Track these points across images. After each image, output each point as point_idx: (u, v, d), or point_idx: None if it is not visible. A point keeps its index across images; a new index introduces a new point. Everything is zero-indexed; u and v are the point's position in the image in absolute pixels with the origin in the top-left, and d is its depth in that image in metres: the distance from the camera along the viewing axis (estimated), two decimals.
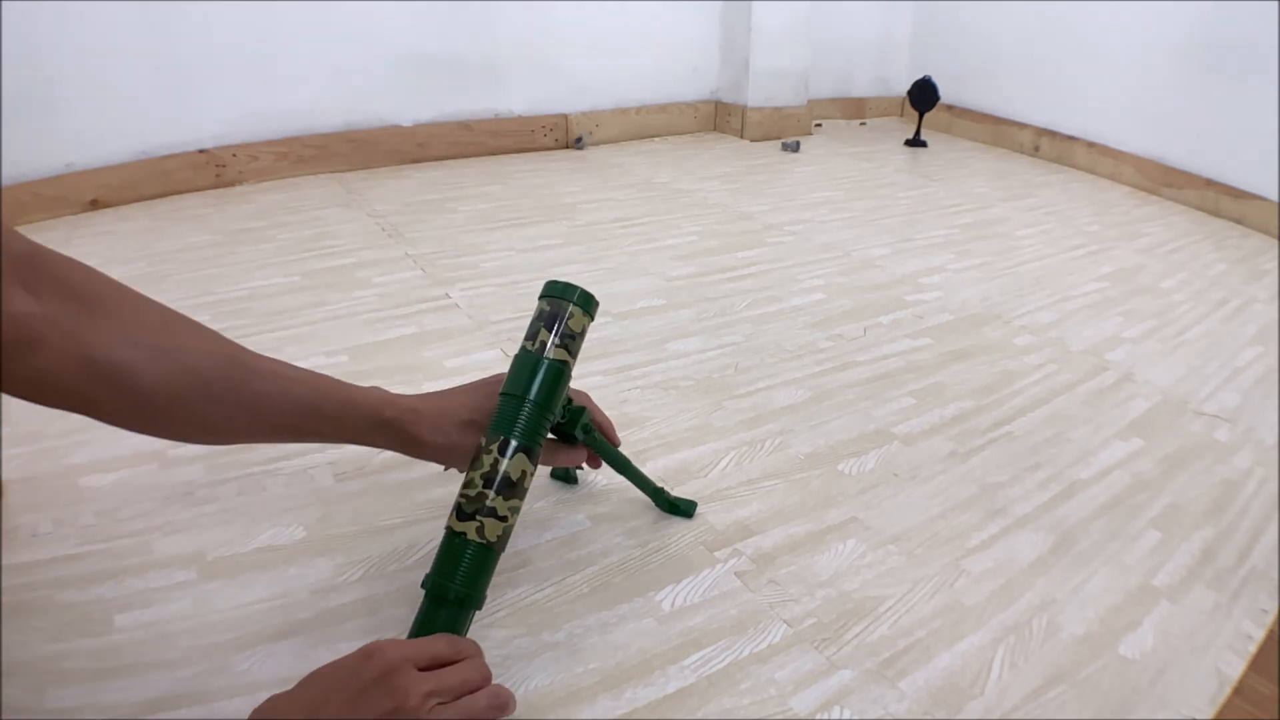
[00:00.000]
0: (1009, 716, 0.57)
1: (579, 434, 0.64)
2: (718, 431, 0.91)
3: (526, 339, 0.56)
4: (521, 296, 1.23)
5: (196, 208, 1.64)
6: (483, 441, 0.54)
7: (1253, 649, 0.64)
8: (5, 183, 1.47)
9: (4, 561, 0.66)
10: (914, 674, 0.60)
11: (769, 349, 1.11)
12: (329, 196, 1.73)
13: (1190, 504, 0.83)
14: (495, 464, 0.53)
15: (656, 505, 0.76)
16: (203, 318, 1.13)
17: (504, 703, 0.49)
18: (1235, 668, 0.62)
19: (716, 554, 0.71)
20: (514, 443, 0.53)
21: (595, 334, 1.13)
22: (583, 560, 0.70)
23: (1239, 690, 0.60)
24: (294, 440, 0.59)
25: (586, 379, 1.01)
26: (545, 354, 0.55)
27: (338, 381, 0.59)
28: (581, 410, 0.63)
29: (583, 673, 0.59)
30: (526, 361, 0.55)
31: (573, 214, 1.67)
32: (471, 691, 0.47)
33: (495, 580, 0.67)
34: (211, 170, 1.75)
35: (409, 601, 0.64)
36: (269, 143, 1.82)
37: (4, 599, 0.62)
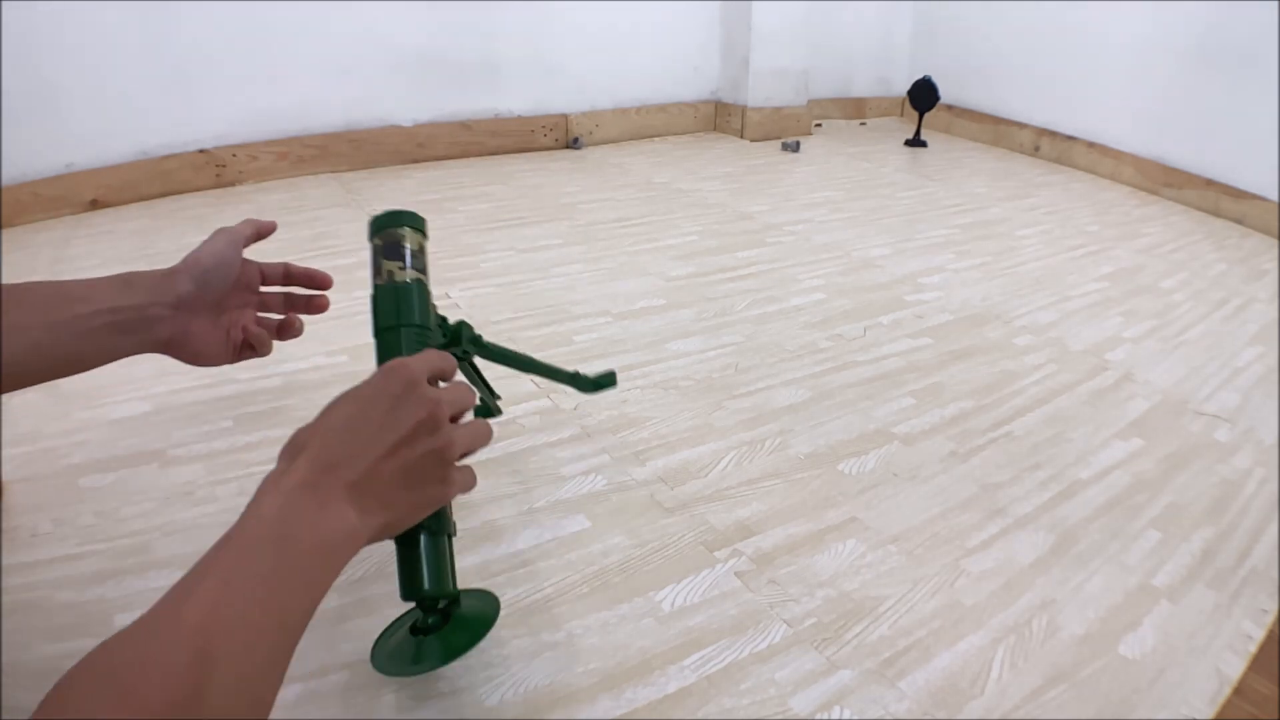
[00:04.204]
0: (1009, 716, 0.57)
1: (469, 347, 0.62)
2: (718, 431, 0.91)
3: (375, 276, 0.55)
4: (521, 296, 1.23)
5: (196, 208, 1.64)
6: None
7: (1253, 649, 0.64)
8: (5, 183, 1.47)
9: (4, 561, 0.66)
10: (914, 674, 0.60)
11: (769, 349, 1.11)
12: (329, 196, 1.73)
13: (1190, 504, 0.83)
14: None
15: (580, 390, 0.73)
16: None
17: (489, 429, 0.52)
18: (1235, 668, 0.62)
19: (716, 554, 0.71)
20: None
21: (595, 334, 1.13)
22: (583, 560, 0.70)
23: (1239, 690, 0.60)
24: (58, 354, 0.53)
25: None
26: (396, 279, 0.54)
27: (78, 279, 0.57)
28: (461, 324, 0.61)
29: (583, 673, 0.59)
30: (386, 292, 0.54)
31: (573, 214, 1.67)
32: (468, 406, 0.51)
33: (495, 580, 0.67)
34: (211, 170, 1.75)
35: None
36: (269, 143, 1.82)
37: (4, 599, 0.62)
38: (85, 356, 0.55)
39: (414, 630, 0.53)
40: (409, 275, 0.54)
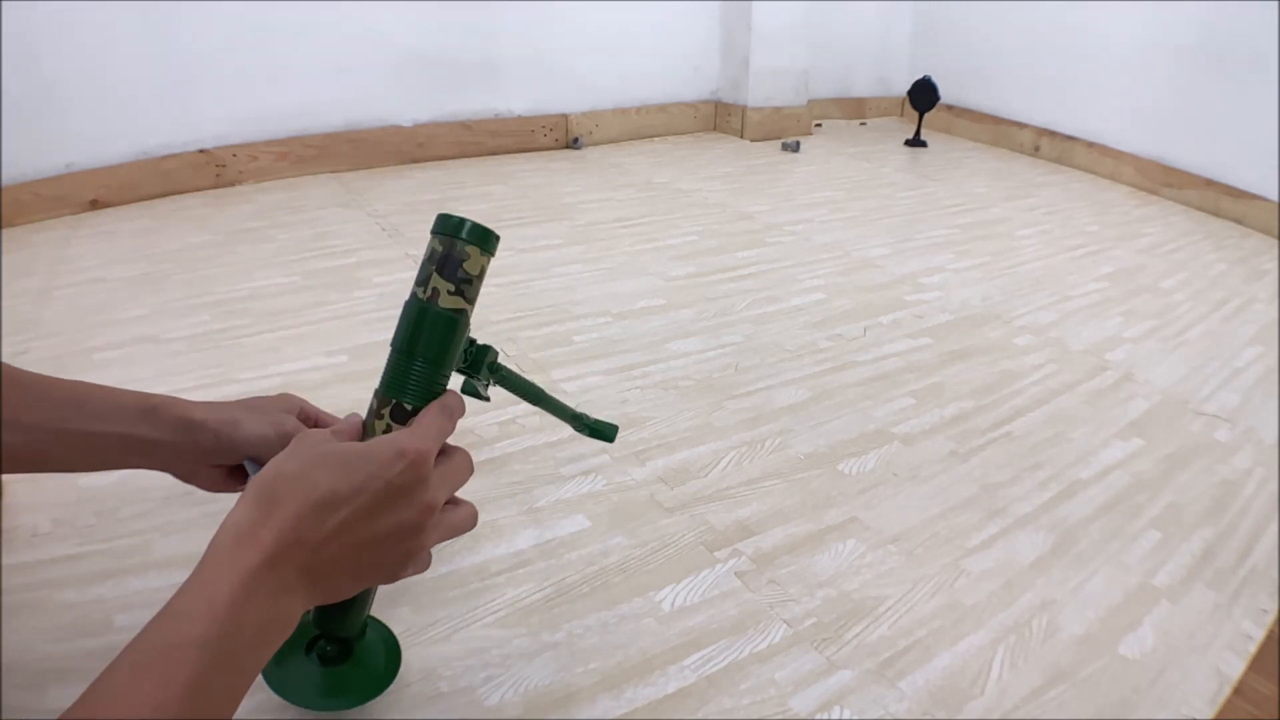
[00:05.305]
0: (1009, 716, 0.57)
1: (486, 373, 0.57)
2: (718, 431, 0.91)
3: (417, 284, 0.49)
4: (521, 296, 1.23)
5: (196, 208, 1.64)
6: (373, 404, 0.49)
7: (1253, 649, 0.64)
8: (5, 183, 1.47)
9: (4, 561, 0.66)
10: (914, 674, 0.60)
11: (769, 349, 1.11)
12: (329, 196, 1.73)
13: (1190, 504, 0.83)
14: (388, 430, 0.48)
15: (576, 430, 0.67)
16: (203, 317, 1.14)
17: (475, 515, 0.50)
18: (1235, 668, 0.62)
19: (716, 554, 0.71)
20: (407, 406, 0.48)
21: (595, 334, 1.13)
22: (583, 560, 0.70)
23: (1239, 690, 0.60)
24: (62, 458, 0.54)
25: (587, 379, 1.01)
26: (436, 303, 0.48)
27: (102, 385, 0.56)
28: (486, 349, 0.55)
29: (582, 673, 0.59)
30: (414, 312, 0.48)
31: (573, 214, 1.67)
32: (464, 480, 0.48)
33: (495, 580, 0.67)
34: (211, 170, 1.75)
35: (408, 601, 0.64)
36: (269, 143, 1.82)
37: (4, 599, 0.62)
38: (87, 466, 0.55)
39: (316, 654, 0.52)
40: (450, 302, 0.49)
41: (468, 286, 0.49)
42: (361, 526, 0.41)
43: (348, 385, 0.96)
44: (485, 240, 0.49)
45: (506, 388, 0.61)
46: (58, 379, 0.53)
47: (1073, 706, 0.58)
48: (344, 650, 0.52)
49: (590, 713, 0.56)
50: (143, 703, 0.33)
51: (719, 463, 0.85)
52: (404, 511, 0.43)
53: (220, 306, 1.17)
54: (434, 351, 0.48)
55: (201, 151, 1.74)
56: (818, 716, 0.56)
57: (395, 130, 1.99)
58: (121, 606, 0.62)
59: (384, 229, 1.53)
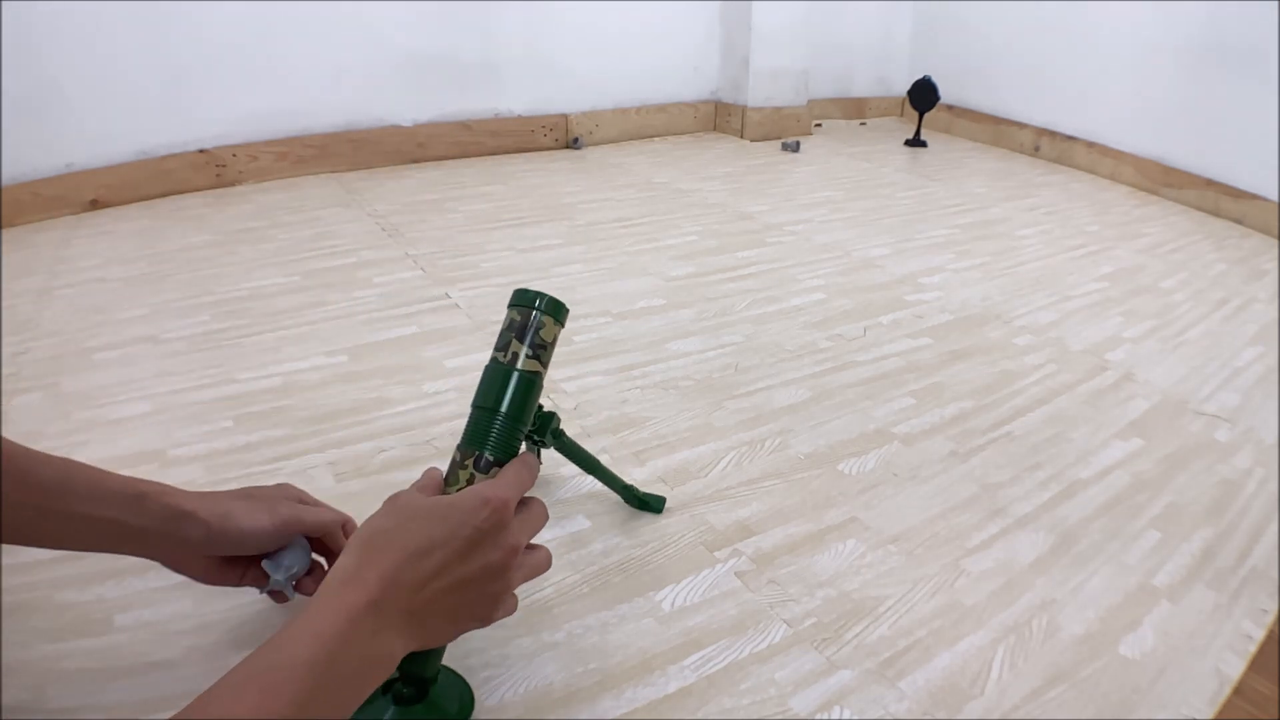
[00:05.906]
0: (1009, 716, 0.57)
1: (549, 439, 0.63)
2: (718, 431, 0.91)
3: (497, 350, 0.55)
4: None
5: (196, 208, 1.64)
6: (456, 456, 0.53)
7: (1253, 649, 0.64)
8: (5, 183, 1.47)
9: (4, 561, 0.66)
10: (914, 674, 0.60)
11: (769, 349, 1.11)
12: (329, 196, 1.73)
13: (1190, 504, 0.83)
14: (471, 479, 0.51)
15: (625, 502, 0.76)
16: (202, 317, 1.14)
17: (550, 558, 0.54)
18: (1235, 668, 0.62)
19: (716, 554, 0.72)
20: (489, 457, 0.52)
21: (595, 334, 1.13)
22: (583, 560, 0.70)
23: (1239, 690, 0.60)
24: (46, 536, 0.53)
25: (587, 379, 1.01)
26: (516, 365, 0.53)
27: (93, 466, 0.54)
28: (551, 416, 0.63)
29: (583, 673, 0.59)
30: (498, 373, 0.54)
31: (573, 214, 1.67)
32: (540, 526, 0.52)
33: None
34: (211, 170, 1.76)
35: None
36: (269, 143, 1.82)
37: (4, 599, 0.62)
38: (72, 547, 0.55)
39: (392, 695, 0.53)
40: (528, 365, 0.54)
41: (543, 352, 0.54)
42: (454, 569, 0.45)
43: (347, 385, 0.96)
44: (557, 311, 0.55)
45: (564, 453, 0.68)
46: (48, 456, 0.52)
47: (1073, 706, 0.58)
48: (420, 692, 0.53)
49: (590, 713, 0.56)
50: (248, 711, 0.35)
51: (719, 463, 0.85)
52: (491, 554, 0.46)
53: (220, 306, 1.17)
54: (514, 408, 0.53)
55: (201, 151, 1.74)
56: (818, 716, 0.56)
57: (395, 130, 1.99)
58: (121, 606, 0.62)
59: (384, 229, 1.53)
